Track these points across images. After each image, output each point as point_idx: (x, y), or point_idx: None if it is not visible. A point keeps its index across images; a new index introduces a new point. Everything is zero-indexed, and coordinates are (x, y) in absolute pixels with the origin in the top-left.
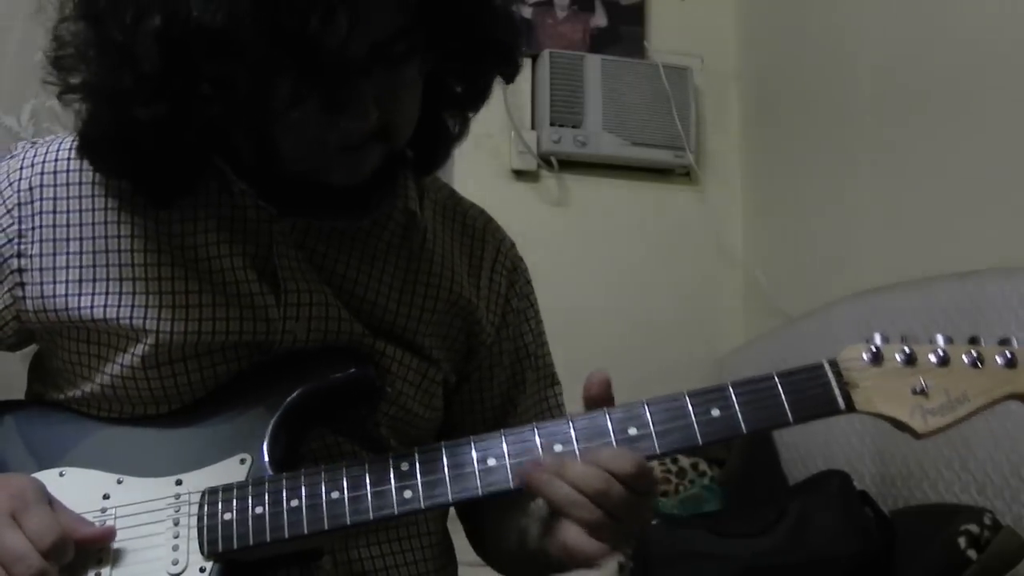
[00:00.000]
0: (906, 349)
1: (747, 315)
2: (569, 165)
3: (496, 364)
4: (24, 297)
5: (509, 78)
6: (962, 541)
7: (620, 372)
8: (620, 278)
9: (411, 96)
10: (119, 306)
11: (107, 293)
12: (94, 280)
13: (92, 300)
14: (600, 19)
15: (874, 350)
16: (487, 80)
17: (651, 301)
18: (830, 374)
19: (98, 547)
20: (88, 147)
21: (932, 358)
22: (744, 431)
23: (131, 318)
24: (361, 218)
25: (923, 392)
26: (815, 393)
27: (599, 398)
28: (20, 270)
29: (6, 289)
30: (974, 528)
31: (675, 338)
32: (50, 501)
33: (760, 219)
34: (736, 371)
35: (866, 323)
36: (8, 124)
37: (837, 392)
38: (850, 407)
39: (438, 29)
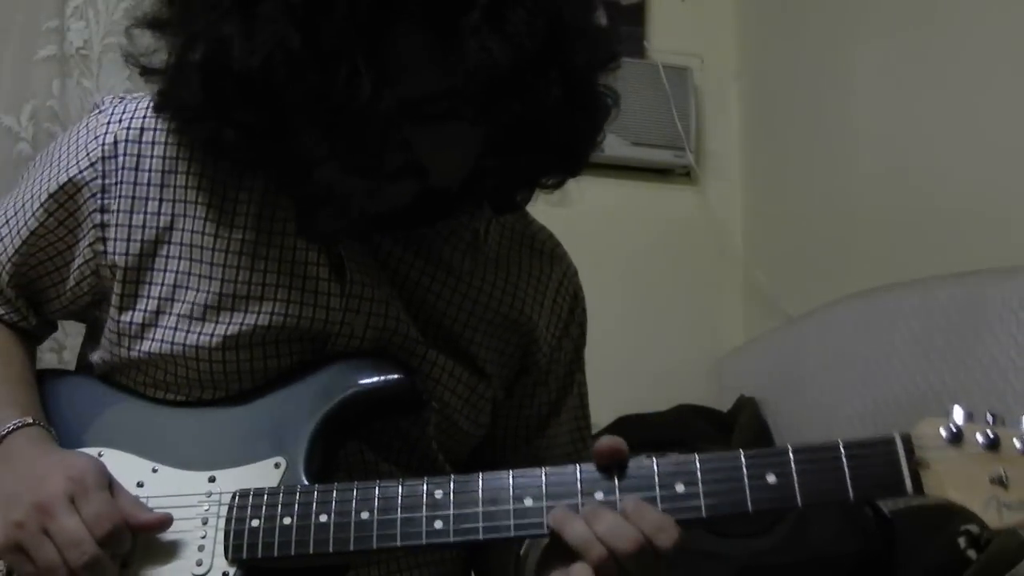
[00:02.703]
0: (989, 433)
1: (747, 315)
2: None
3: (541, 384)
4: (106, 252)
5: (569, 171)
6: (962, 541)
7: (620, 372)
8: (620, 278)
9: (456, 146)
10: (177, 272)
11: (179, 258)
12: (169, 243)
13: (165, 263)
14: (600, 19)
15: (954, 429)
16: (555, 165)
17: (651, 301)
18: (901, 451)
19: (153, 534)
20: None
21: (1018, 444)
22: (799, 504)
23: (196, 289)
24: (395, 234)
25: (1002, 482)
26: (881, 471)
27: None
28: (103, 225)
29: (87, 244)
30: (974, 528)
31: (675, 338)
32: (110, 484)
33: (760, 219)
34: (736, 372)
35: (866, 323)
36: (8, 124)
37: (906, 473)
38: (918, 490)
39: (489, 113)
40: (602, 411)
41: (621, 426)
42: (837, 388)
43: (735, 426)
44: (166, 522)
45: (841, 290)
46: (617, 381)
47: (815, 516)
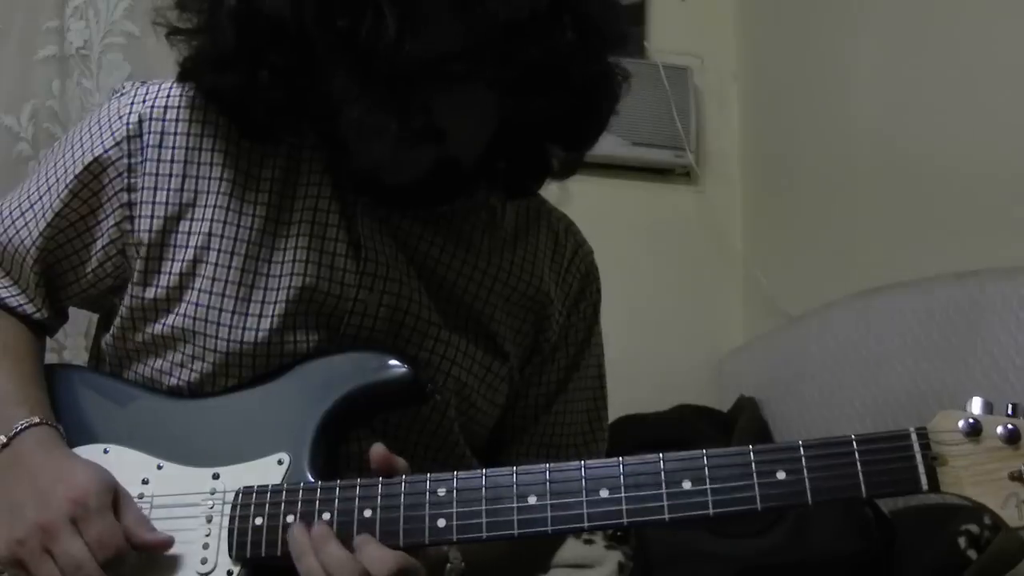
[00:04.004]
0: (1010, 425)
1: (747, 315)
2: None
3: (548, 361)
4: (133, 231)
5: (588, 137)
6: (962, 541)
7: (620, 372)
8: (620, 278)
9: (475, 113)
10: (197, 247)
11: (200, 233)
12: (191, 220)
13: (187, 239)
14: None
15: (972, 421)
16: (573, 121)
17: (651, 301)
18: (916, 446)
19: (154, 552)
20: (187, 77)
21: None
22: (809, 501)
23: (216, 264)
24: (414, 213)
25: (1021, 479)
26: (896, 467)
27: (381, 471)
28: (130, 204)
29: (113, 223)
30: (974, 528)
31: (675, 338)
32: (115, 499)
33: (760, 219)
34: (736, 372)
35: (866, 323)
36: (8, 124)
37: (921, 470)
38: (934, 487)
39: (508, 59)
40: None
41: (621, 426)
42: (837, 388)
43: (735, 426)
44: (167, 544)
45: (841, 290)
46: (617, 381)
47: (815, 516)
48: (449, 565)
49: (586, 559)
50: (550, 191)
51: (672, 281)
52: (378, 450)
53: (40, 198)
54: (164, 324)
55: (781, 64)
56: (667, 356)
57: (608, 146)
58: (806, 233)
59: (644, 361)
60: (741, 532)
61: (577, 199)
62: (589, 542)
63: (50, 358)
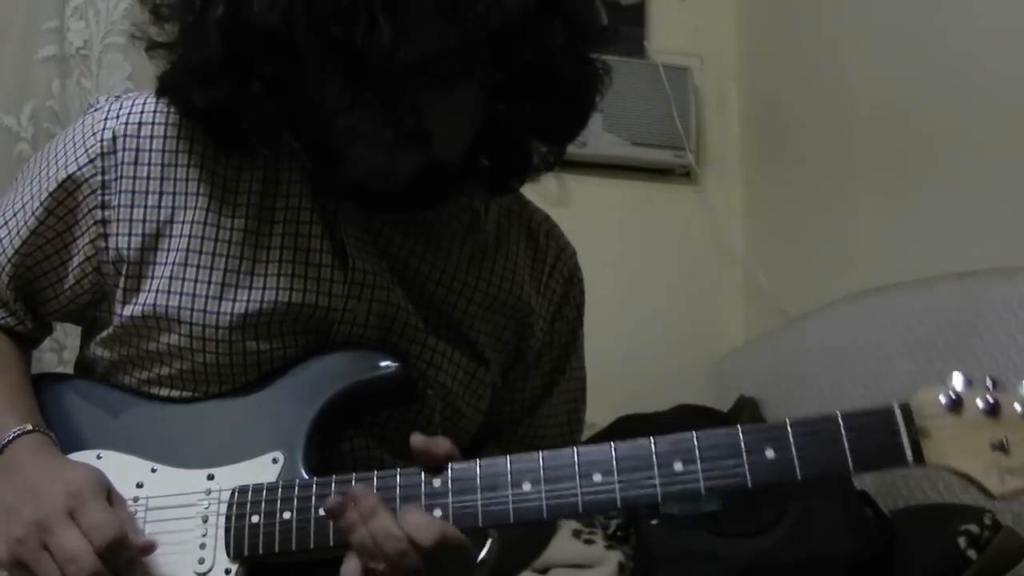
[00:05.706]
0: (989, 398)
1: (747, 315)
2: (569, 165)
3: (533, 367)
4: (107, 248)
5: (572, 129)
6: (962, 541)
7: (620, 372)
8: (619, 278)
9: (462, 113)
10: (175, 264)
11: (178, 250)
12: (169, 236)
13: (165, 256)
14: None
15: (953, 396)
16: (561, 119)
17: (650, 301)
18: (900, 421)
19: (139, 555)
20: (165, 92)
21: (1018, 408)
22: (799, 477)
23: (196, 280)
24: (397, 218)
25: (1003, 448)
26: (881, 441)
27: (426, 462)
28: (104, 221)
29: (88, 240)
30: (974, 528)
31: (675, 338)
32: (109, 493)
33: (760, 219)
34: (736, 371)
35: (866, 323)
36: (8, 124)
37: (906, 443)
38: (918, 459)
39: (500, 61)
40: (602, 411)
41: (621, 426)
42: (837, 388)
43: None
44: (150, 548)
45: (841, 290)
46: (617, 381)
47: (815, 516)
48: (491, 540)
49: (586, 559)
50: (551, 191)
51: (672, 281)
52: (417, 439)
53: (15, 215)
54: (149, 341)
55: (781, 64)
56: (667, 356)
57: (608, 146)
58: (806, 233)
59: (644, 361)
60: (741, 532)
61: (577, 199)
62: (589, 542)
63: (50, 358)
